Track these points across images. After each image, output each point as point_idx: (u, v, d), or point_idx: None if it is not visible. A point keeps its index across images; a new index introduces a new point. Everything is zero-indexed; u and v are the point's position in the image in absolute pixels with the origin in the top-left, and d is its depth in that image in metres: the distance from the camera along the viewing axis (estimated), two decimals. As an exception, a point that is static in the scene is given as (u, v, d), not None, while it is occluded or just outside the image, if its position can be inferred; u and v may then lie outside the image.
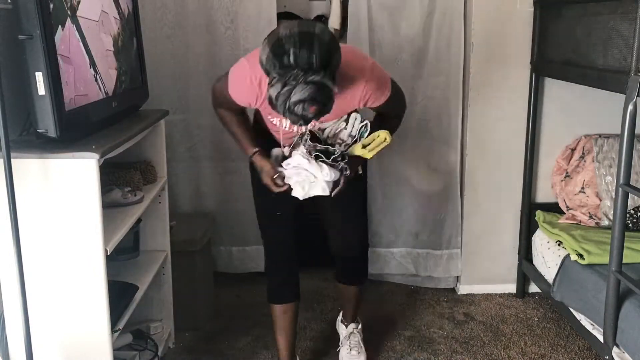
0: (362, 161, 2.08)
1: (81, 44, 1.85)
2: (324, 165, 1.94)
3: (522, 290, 3.16)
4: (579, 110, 3.00)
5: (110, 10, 2.09)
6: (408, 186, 3.16)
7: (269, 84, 1.65)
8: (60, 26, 1.73)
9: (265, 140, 2.14)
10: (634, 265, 2.36)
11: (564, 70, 2.61)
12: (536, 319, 2.95)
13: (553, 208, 3.00)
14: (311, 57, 1.58)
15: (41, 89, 1.66)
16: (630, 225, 2.74)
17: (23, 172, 1.72)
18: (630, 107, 2.01)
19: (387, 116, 2.12)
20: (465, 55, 2.99)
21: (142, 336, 2.48)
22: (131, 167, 2.33)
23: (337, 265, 2.45)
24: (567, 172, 2.97)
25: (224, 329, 2.85)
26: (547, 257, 2.79)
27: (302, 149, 1.94)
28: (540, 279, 2.86)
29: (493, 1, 2.89)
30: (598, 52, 2.26)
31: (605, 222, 2.77)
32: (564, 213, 2.93)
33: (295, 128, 2.02)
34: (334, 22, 3.17)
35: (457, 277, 3.23)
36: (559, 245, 2.72)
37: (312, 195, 1.99)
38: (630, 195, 2.13)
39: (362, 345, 2.53)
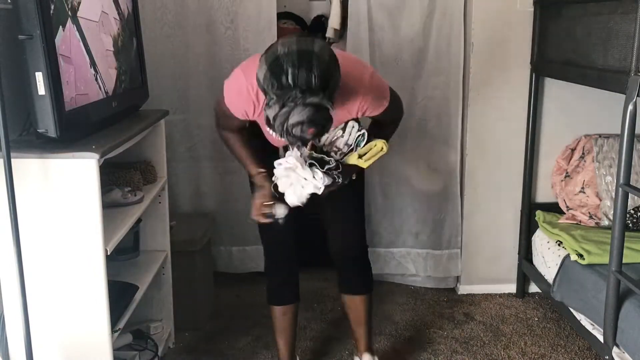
0: (357, 169, 2.04)
1: (81, 44, 1.85)
2: (317, 171, 1.90)
3: (522, 290, 3.16)
4: (579, 110, 3.00)
5: (110, 10, 2.10)
6: (408, 186, 3.16)
7: (266, 104, 1.61)
8: (61, 27, 1.73)
9: (260, 142, 2.11)
10: (634, 265, 2.36)
11: (564, 70, 2.61)
12: (536, 319, 2.95)
13: (553, 208, 3.00)
14: (310, 78, 1.54)
15: (41, 89, 1.66)
16: (630, 225, 2.74)
17: (23, 172, 1.72)
18: (630, 107, 2.01)
19: (384, 123, 2.09)
20: (465, 55, 2.99)
21: (142, 336, 2.48)
22: (131, 167, 2.33)
23: (338, 273, 2.36)
24: (567, 172, 2.97)
25: (224, 329, 2.85)
26: (547, 257, 2.79)
27: (296, 152, 1.92)
28: (540, 279, 2.86)
29: (493, 1, 2.89)
30: (598, 52, 2.26)
31: (605, 222, 2.77)
32: (564, 213, 2.93)
33: None
34: (334, 22, 3.17)
35: (457, 277, 3.24)
36: (559, 245, 2.72)
37: (304, 198, 1.95)
38: (630, 195, 2.13)
39: None
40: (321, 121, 1.59)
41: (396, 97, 2.04)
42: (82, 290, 1.83)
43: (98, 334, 1.86)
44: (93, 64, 1.92)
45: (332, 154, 1.97)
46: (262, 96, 1.72)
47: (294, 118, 1.55)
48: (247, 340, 2.74)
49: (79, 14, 1.84)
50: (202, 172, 3.21)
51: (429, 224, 3.19)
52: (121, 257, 2.35)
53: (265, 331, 2.73)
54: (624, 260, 2.15)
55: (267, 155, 2.07)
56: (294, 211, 1.99)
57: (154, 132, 2.40)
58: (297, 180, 1.91)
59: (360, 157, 1.97)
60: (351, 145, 1.98)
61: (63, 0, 1.76)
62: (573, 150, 2.99)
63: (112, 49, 2.09)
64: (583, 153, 2.93)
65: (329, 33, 3.20)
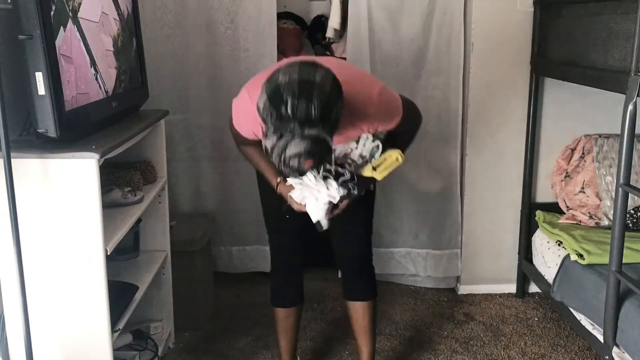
0: (372, 180, 2.00)
1: (82, 44, 1.86)
2: (332, 182, 1.88)
3: (522, 290, 3.17)
4: (579, 110, 3.00)
5: (110, 11, 2.10)
6: (408, 186, 3.16)
7: (264, 134, 1.59)
8: (62, 27, 1.74)
9: None
10: (634, 265, 2.36)
11: (564, 70, 2.61)
12: (536, 319, 2.95)
13: (553, 208, 3.00)
14: (310, 110, 1.50)
15: (41, 89, 1.66)
16: (630, 225, 2.74)
17: (23, 172, 1.72)
18: (630, 107, 2.01)
19: (399, 132, 2.03)
20: (465, 55, 2.99)
21: (142, 336, 2.48)
22: (131, 167, 2.33)
23: (343, 279, 2.34)
24: (567, 172, 2.97)
25: (224, 329, 2.85)
26: (547, 257, 2.79)
27: None
28: (540, 279, 2.86)
29: (493, 1, 2.89)
30: (598, 52, 2.26)
31: (605, 222, 2.77)
32: (564, 213, 2.93)
33: None
34: (334, 22, 3.17)
35: (457, 277, 3.24)
36: (559, 245, 2.72)
37: (324, 211, 1.93)
38: (630, 195, 2.13)
39: None
40: (319, 154, 1.57)
41: (410, 108, 1.98)
42: (82, 290, 1.83)
43: (98, 334, 1.86)
44: (93, 63, 1.93)
45: (346, 165, 1.94)
46: None
47: (291, 150, 1.53)
48: (247, 340, 2.74)
49: (79, 14, 1.85)
50: (202, 172, 3.21)
51: (429, 224, 3.19)
52: (121, 257, 2.35)
53: (265, 331, 2.73)
54: (624, 260, 2.15)
55: None
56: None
57: (154, 132, 2.40)
58: (311, 193, 1.89)
59: (374, 169, 1.94)
60: (365, 157, 1.94)
61: (64, 1, 1.77)
62: (573, 150, 2.99)
63: (112, 49, 2.09)
64: (583, 153, 2.93)
65: (329, 33, 3.20)
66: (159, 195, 2.48)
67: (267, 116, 1.55)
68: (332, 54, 3.35)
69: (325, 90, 1.54)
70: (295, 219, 2.06)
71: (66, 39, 1.76)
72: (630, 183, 2.10)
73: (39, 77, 1.65)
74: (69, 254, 1.80)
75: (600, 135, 2.94)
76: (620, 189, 2.10)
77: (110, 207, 2.06)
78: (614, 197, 2.37)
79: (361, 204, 2.09)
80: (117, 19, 2.16)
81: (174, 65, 3.05)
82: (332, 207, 1.94)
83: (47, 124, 1.69)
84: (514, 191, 3.09)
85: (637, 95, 1.97)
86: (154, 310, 2.59)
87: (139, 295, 2.17)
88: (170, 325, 2.65)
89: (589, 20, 2.36)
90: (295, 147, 1.52)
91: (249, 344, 2.72)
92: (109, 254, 1.83)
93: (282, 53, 3.19)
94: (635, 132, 2.06)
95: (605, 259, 2.29)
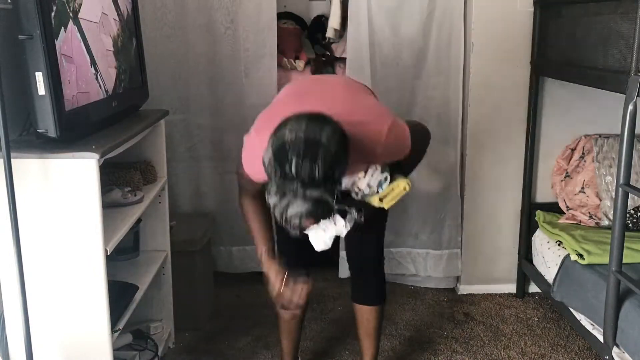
0: (379, 209, 1.98)
1: (82, 44, 1.87)
2: (339, 219, 1.88)
3: (522, 290, 3.17)
4: (579, 110, 3.00)
5: (110, 12, 2.11)
6: (408, 186, 3.16)
7: (267, 190, 1.59)
8: (63, 27, 1.75)
9: None
10: (634, 265, 2.36)
11: (564, 70, 2.61)
12: (536, 319, 2.95)
13: (553, 208, 3.00)
14: (313, 171, 1.50)
15: (41, 89, 1.66)
16: (630, 225, 2.74)
17: (23, 172, 1.72)
18: (630, 107, 2.01)
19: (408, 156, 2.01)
20: (465, 55, 2.99)
21: (142, 336, 2.48)
22: (131, 167, 2.33)
23: (352, 281, 2.33)
24: (567, 172, 2.97)
25: (224, 329, 2.85)
26: (547, 257, 2.79)
27: None
28: (540, 279, 2.86)
29: (493, 1, 2.89)
30: (598, 52, 2.26)
31: (605, 222, 2.77)
32: (564, 213, 2.93)
33: None
34: (334, 22, 3.16)
35: (457, 277, 3.24)
36: (559, 245, 2.72)
37: (330, 240, 1.93)
38: (630, 195, 2.13)
39: None
40: (320, 214, 1.58)
41: (419, 136, 1.97)
42: (82, 290, 1.83)
43: (98, 334, 1.86)
44: (93, 63, 1.93)
45: (353, 194, 1.93)
46: None
47: (292, 209, 1.53)
48: (247, 340, 2.74)
49: (80, 15, 1.86)
50: (202, 172, 3.21)
51: (429, 224, 3.19)
52: (121, 257, 2.35)
53: (265, 331, 2.73)
54: (624, 260, 2.15)
55: None
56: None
57: (154, 132, 2.40)
58: (319, 226, 1.88)
59: (381, 199, 1.92)
60: (373, 186, 1.92)
61: (65, 2, 1.77)
62: (573, 150, 2.99)
63: (111, 49, 2.10)
64: (583, 153, 2.93)
65: (329, 33, 3.20)
66: (159, 195, 2.48)
67: (272, 173, 1.56)
68: (332, 54, 3.35)
69: (330, 151, 1.54)
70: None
71: (67, 39, 1.76)
72: (630, 183, 2.10)
73: (39, 77, 1.65)
74: (69, 254, 1.80)
75: (600, 135, 2.94)
76: (620, 189, 2.10)
77: (110, 207, 2.06)
78: (614, 197, 2.37)
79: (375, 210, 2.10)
80: (117, 19, 2.17)
81: (174, 65, 3.05)
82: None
83: (47, 124, 1.69)
84: (514, 191, 3.09)
85: (637, 95, 1.97)
86: (154, 310, 2.59)
87: (139, 295, 2.16)
88: (170, 325, 2.65)
89: (589, 20, 2.36)
90: (297, 207, 1.53)
91: (249, 344, 2.72)
92: (109, 254, 1.83)
93: (282, 53, 3.19)
94: (635, 132, 2.06)
95: (605, 259, 2.29)
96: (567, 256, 2.60)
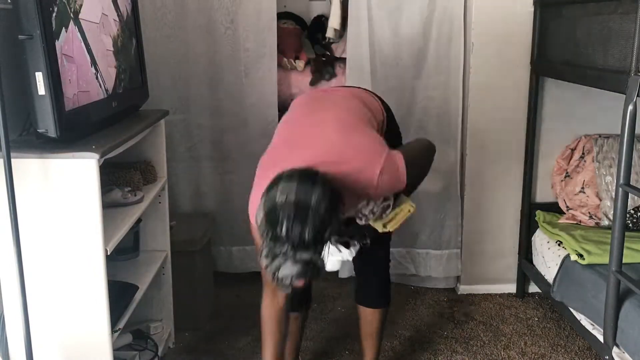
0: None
1: (83, 44, 1.87)
2: (344, 249, 1.92)
3: (522, 290, 3.16)
4: (579, 110, 3.00)
5: (109, 12, 2.12)
6: (408, 186, 3.16)
7: (260, 251, 1.63)
8: (64, 28, 1.75)
9: None
10: (634, 265, 2.36)
11: (564, 70, 2.61)
12: (536, 319, 2.95)
13: (553, 208, 3.00)
14: (304, 233, 1.55)
15: (41, 89, 1.66)
16: (630, 225, 2.74)
17: (23, 172, 1.72)
18: (630, 107, 2.01)
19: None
20: (465, 55, 2.99)
21: (142, 336, 2.49)
22: (131, 167, 2.33)
23: (357, 283, 2.33)
24: (567, 172, 2.97)
25: (224, 329, 2.86)
26: (547, 257, 2.79)
27: None
28: (540, 279, 2.86)
29: (493, 1, 2.89)
30: (598, 52, 2.26)
31: (605, 222, 2.77)
32: (564, 213, 2.93)
33: None
34: (334, 22, 3.16)
35: (457, 277, 3.24)
36: (559, 245, 2.72)
37: (339, 263, 1.96)
38: (630, 195, 2.13)
39: None
40: (311, 275, 1.62)
41: (419, 161, 1.99)
42: (82, 290, 1.83)
43: (98, 334, 1.86)
44: (94, 63, 1.94)
45: (358, 220, 1.93)
46: None
47: (283, 271, 1.58)
48: (247, 340, 2.74)
49: (80, 16, 1.86)
50: (202, 172, 3.21)
51: (429, 224, 3.18)
52: (121, 257, 2.35)
53: (265, 331, 2.73)
54: (624, 260, 2.15)
55: None
56: None
57: (154, 132, 2.41)
58: (326, 252, 1.92)
59: (385, 225, 1.94)
60: (376, 212, 1.93)
61: (66, 3, 1.78)
62: (573, 150, 2.99)
63: (111, 48, 2.10)
64: (583, 153, 2.93)
65: (329, 33, 3.20)
66: (159, 195, 2.48)
67: (264, 233, 1.61)
68: (332, 54, 3.35)
69: (320, 213, 1.57)
70: None
71: (68, 39, 1.77)
72: (630, 183, 2.10)
73: (39, 77, 1.65)
74: (69, 254, 1.80)
75: (600, 135, 2.94)
76: (620, 189, 2.10)
77: (110, 207, 2.06)
78: (614, 197, 2.37)
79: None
80: (117, 19, 2.17)
81: (174, 65, 3.05)
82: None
83: (47, 124, 1.69)
84: (514, 191, 3.09)
85: (637, 95, 1.97)
86: (154, 310, 2.59)
87: (139, 295, 2.17)
88: (170, 325, 2.65)
89: (589, 20, 2.36)
90: (287, 269, 1.58)
91: (249, 344, 2.72)
92: (109, 254, 1.83)
93: (282, 53, 3.19)
94: (635, 132, 2.06)
95: (605, 259, 2.29)
96: (567, 256, 2.60)
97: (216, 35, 3.03)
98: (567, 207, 2.91)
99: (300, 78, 3.27)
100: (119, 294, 2.07)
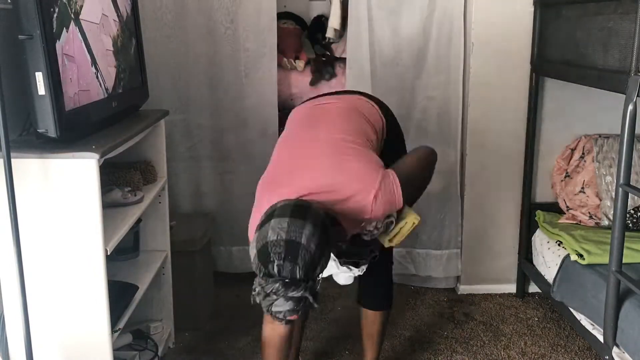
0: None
1: (83, 44, 1.88)
2: (352, 268, 1.95)
3: (522, 290, 3.16)
4: (579, 110, 3.00)
5: (109, 13, 2.12)
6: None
7: (253, 289, 1.65)
8: (65, 28, 1.76)
9: None
10: (634, 265, 2.36)
11: (564, 70, 2.61)
12: (536, 319, 2.95)
13: (553, 208, 3.00)
14: (295, 271, 1.59)
15: (41, 89, 1.66)
16: (630, 225, 2.74)
17: (23, 172, 1.72)
18: (630, 107, 2.01)
19: None
20: (465, 55, 2.99)
21: (142, 336, 2.48)
22: (131, 167, 2.33)
23: (360, 285, 2.32)
24: (567, 172, 2.97)
25: (224, 329, 2.85)
26: (547, 257, 2.79)
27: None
28: (540, 279, 2.86)
29: (493, 1, 2.89)
30: (598, 52, 2.26)
31: (605, 222, 2.77)
32: (564, 213, 2.93)
33: None
34: (334, 22, 3.16)
35: (457, 277, 3.24)
36: (559, 245, 2.72)
37: (351, 278, 2.01)
38: (630, 195, 2.13)
39: None
40: (303, 310, 1.64)
41: (419, 174, 1.99)
42: (82, 290, 1.83)
43: (98, 334, 1.86)
44: (94, 62, 1.94)
45: (363, 236, 1.93)
46: None
47: (276, 308, 1.61)
48: (247, 340, 2.74)
49: (81, 16, 1.87)
50: (202, 172, 3.21)
51: (429, 224, 3.18)
52: (121, 257, 2.35)
53: (265, 331, 2.73)
54: (624, 260, 2.15)
55: None
56: None
57: (154, 132, 2.41)
58: (335, 267, 1.97)
59: (390, 240, 1.94)
60: (380, 228, 1.92)
61: (66, 4, 1.78)
62: (573, 150, 2.99)
63: (111, 48, 2.10)
64: (583, 153, 2.93)
65: (329, 33, 3.20)
66: (159, 195, 2.48)
67: (256, 269, 1.64)
68: (332, 54, 3.35)
69: (311, 252, 1.61)
70: None
71: (69, 39, 1.78)
72: (630, 183, 2.10)
73: (39, 77, 1.65)
74: (69, 254, 1.80)
75: (600, 135, 2.94)
76: (620, 189, 2.10)
77: (110, 207, 2.06)
78: (614, 197, 2.38)
79: None
80: (117, 20, 2.18)
81: (174, 65, 3.05)
82: None
83: (47, 124, 1.69)
84: (514, 191, 3.09)
85: (637, 95, 1.97)
86: (154, 310, 2.59)
87: (139, 295, 2.17)
88: (170, 325, 2.65)
89: (589, 20, 2.36)
90: (280, 306, 1.61)
91: (249, 344, 2.72)
92: (109, 254, 1.83)
93: (282, 53, 3.19)
94: (635, 132, 2.06)
95: (605, 259, 2.29)
96: (567, 256, 2.60)
97: (216, 35, 3.03)
98: (567, 207, 2.91)
99: (300, 78, 3.27)
100: (119, 294, 2.07)
